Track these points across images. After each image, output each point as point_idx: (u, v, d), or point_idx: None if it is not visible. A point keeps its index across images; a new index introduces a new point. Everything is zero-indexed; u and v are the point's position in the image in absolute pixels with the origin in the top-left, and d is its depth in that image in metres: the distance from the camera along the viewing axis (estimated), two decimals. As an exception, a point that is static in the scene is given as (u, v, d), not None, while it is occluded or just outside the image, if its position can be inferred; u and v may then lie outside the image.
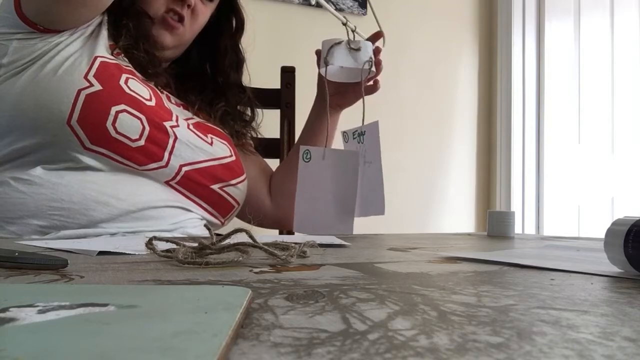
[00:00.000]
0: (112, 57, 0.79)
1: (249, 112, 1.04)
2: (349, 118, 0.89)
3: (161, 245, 0.46)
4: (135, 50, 0.83)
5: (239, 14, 1.01)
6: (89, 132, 0.73)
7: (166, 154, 0.79)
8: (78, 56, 0.75)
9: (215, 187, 0.86)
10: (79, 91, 0.72)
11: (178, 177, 0.81)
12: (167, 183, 0.81)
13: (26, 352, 0.16)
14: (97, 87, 0.73)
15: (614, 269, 0.40)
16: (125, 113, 0.74)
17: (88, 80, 0.73)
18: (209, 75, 1.01)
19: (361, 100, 0.83)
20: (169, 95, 0.89)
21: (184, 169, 0.81)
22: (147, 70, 0.84)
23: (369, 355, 0.18)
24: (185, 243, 0.45)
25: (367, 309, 0.25)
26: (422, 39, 2.05)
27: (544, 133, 2.16)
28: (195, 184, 0.84)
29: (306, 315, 0.24)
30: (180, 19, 0.89)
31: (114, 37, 0.83)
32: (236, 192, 0.90)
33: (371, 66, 0.80)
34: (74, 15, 0.77)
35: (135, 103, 0.76)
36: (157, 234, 0.49)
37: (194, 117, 0.90)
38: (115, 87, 0.75)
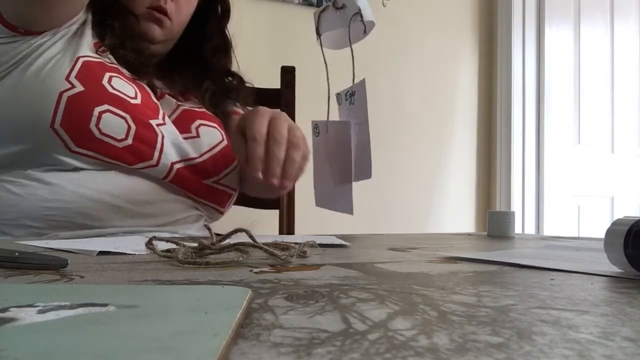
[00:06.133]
0: (96, 56, 0.77)
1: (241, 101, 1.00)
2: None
3: (161, 245, 0.46)
4: (122, 50, 0.81)
5: (225, 2, 0.99)
6: (73, 135, 0.72)
7: (156, 153, 0.78)
8: (60, 57, 0.74)
9: (208, 182, 0.85)
10: (61, 93, 0.71)
11: (171, 175, 0.80)
12: (162, 180, 0.80)
13: (26, 352, 0.16)
14: (79, 88, 0.72)
15: (614, 269, 0.40)
16: (109, 113, 0.73)
17: (70, 82, 0.72)
18: (194, 57, 0.97)
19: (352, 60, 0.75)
20: (154, 84, 0.86)
21: (176, 166, 0.80)
22: (135, 69, 0.82)
23: (369, 355, 0.18)
24: (185, 243, 0.45)
25: (367, 309, 0.25)
26: (423, 41, 2.05)
27: (544, 133, 2.16)
28: (188, 181, 0.82)
29: (306, 315, 0.24)
30: (164, 13, 0.86)
31: (99, 36, 0.81)
32: (231, 181, 0.88)
33: (362, 18, 0.73)
34: (52, 14, 0.75)
35: (119, 102, 0.74)
36: (157, 234, 0.49)
37: (180, 104, 0.87)
38: (97, 87, 0.74)
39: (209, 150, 0.84)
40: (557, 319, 0.24)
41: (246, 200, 1.10)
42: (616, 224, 0.39)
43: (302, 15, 1.79)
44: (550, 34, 2.18)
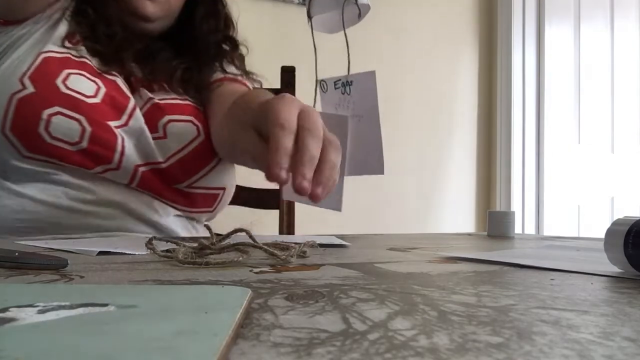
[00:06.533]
0: (63, 50, 0.72)
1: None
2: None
3: (161, 245, 0.46)
4: (92, 38, 0.76)
5: None
6: (24, 139, 0.67)
7: (116, 155, 0.71)
8: (27, 55, 0.70)
9: (181, 186, 0.77)
10: (12, 95, 0.67)
11: (136, 180, 0.74)
12: (128, 185, 0.74)
13: (26, 352, 0.16)
14: (30, 89, 0.67)
15: (614, 269, 0.40)
16: (59, 116, 0.67)
17: (22, 83, 0.67)
18: (181, 32, 0.87)
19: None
20: (131, 72, 0.79)
21: (141, 169, 0.74)
22: (107, 59, 0.76)
23: (369, 355, 0.18)
24: (185, 243, 0.45)
25: (367, 309, 0.25)
26: (422, 41, 2.05)
27: (544, 133, 2.16)
28: (156, 186, 0.75)
29: (306, 315, 0.24)
30: None
31: (76, 24, 0.76)
32: (212, 181, 0.79)
33: (357, 0, 0.68)
34: (28, 2, 0.72)
35: (72, 103, 0.68)
36: (138, 236, 0.49)
37: (151, 97, 0.77)
38: (49, 87, 0.68)
39: (177, 152, 0.76)
40: (557, 319, 0.24)
41: (246, 200, 1.10)
42: (616, 224, 0.39)
43: (302, 15, 1.79)
44: (550, 34, 2.18)
